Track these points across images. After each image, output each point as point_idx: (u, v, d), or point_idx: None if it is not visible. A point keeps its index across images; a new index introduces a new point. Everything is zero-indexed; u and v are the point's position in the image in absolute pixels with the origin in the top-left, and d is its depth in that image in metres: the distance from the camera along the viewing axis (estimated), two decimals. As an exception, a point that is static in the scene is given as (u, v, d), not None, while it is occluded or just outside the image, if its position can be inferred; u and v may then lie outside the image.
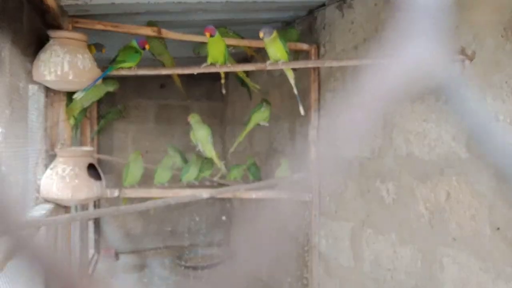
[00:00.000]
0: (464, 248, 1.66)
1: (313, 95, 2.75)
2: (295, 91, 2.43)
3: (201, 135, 2.72)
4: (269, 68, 2.32)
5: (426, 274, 1.85)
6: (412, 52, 0.39)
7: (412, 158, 1.94)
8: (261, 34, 2.19)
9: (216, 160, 2.84)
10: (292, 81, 2.41)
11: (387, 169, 2.10)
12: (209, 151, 2.74)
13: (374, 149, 2.21)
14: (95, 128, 4.09)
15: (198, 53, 2.71)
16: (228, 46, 2.64)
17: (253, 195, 2.65)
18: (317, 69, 2.75)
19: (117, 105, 4.44)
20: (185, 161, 2.96)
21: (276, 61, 2.25)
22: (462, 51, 1.70)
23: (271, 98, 3.15)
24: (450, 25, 1.74)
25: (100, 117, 4.23)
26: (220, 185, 3.08)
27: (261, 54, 2.41)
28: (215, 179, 3.08)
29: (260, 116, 2.86)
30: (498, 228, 1.54)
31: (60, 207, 2.12)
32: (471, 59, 1.67)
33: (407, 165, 1.96)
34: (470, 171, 1.64)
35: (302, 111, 2.46)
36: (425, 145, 1.86)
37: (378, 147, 2.17)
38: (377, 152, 2.18)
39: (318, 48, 2.75)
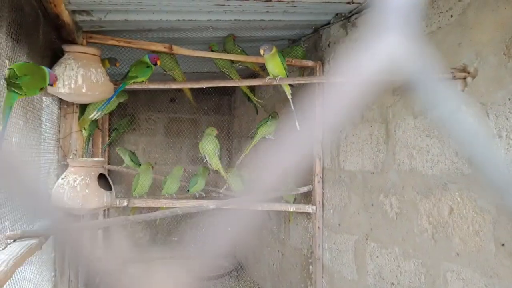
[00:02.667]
0: (468, 264, 1.66)
1: (318, 110, 2.79)
2: (292, 106, 2.49)
3: (209, 149, 2.78)
4: (274, 83, 2.37)
5: (430, 289, 1.85)
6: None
7: (415, 173, 1.95)
8: (261, 51, 2.26)
9: (222, 172, 2.89)
10: (289, 96, 2.47)
11: (391, 184, 2.12)
12: (216, 164, 2.79)
13: (377, 163, 2.23)
14: (107, 139, 4.18)
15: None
16: (235, 62, 2.71)
17: (259, 207, 2.68)
18: (321, 85, 2.80)
19: (127, 117, 4.57)
20: (134, 159, 3.23)
21: (274, 77, 2.32)
22: (464, 69, 1.73)
23: (276, 113, 3.19)
24: (452, 43, 1.78)
25: (111, 129, 4.34)
26: (226, 196, 3.12)
27: (266, 70, 2.48)
28: (221, 191, 3.13)
29: (266, 130, 2.91)
30: (503, 244, 1.54)
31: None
32: (473, 76, 1.70)
33: (410, 179, 1.98)
34: (473, 187, 1.65)
35: (298, 126, 2.52)
36: (428, 160, 1.88)
37: (381, 161, 2.19)
38: (380, 166, 2.21)
39: (323, 64, 2.81)
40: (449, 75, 1.75)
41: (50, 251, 2.27)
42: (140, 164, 3.30)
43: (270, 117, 2.91)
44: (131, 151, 3.56)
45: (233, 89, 5.10)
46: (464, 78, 1.73)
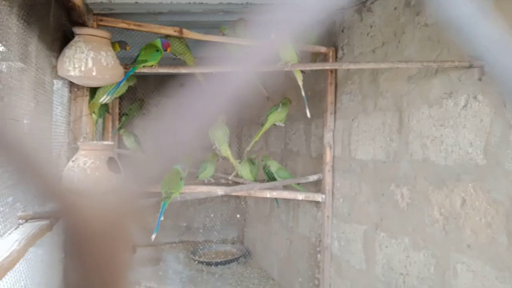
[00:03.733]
0: (479, 256, 1.64)
1: (330, 98, 2.75)
2: (303, 93, 2.45)
3: (218, 135, 2.77)
4: (285, 69, 2.33)
5: (439, 280, 1.83)
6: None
7: (428, 163, 1.92)
8: (272, 35, 2.20)
9: (231, 159, 2.88)
10: (300, 82, 2.42)
11: (402, 174, 2.08)
12: (225, 150, 2.78)
13: (389, 153, 2.20)
14: (117, 123, 4.21)
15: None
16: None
17: (267, 194, 2.67)
18: (334, 72, 2.75)
19: (137, 101, 4.59)
20: (138, 142, 3.49)
21: (286, 63, 2.27)
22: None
23: (287, 100, 3.16)
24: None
25: (122, 114, 4.38)
26: (235, 183, 3.12)
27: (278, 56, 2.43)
28: (230, 177, 3.13)
29: (277, 117, 2.88)
30: (515, 237, 1.52)
31: (80, 198, 2.19)
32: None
33: (423, 170, 1.95)
34: (487, 178, 1.62)
35: (308, 114, 2.48)
36: (442, 151, 1.84)
37: (394, 151, 2.16)
38: (392, 156, 2.17)
39: (336, 50, 2.75)
40: (466, 63, 1.70)
41: (61, 233, 2.30)
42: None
43: (281, 103, 2.88)
44: (135, 134, 3.67)
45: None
46: (482, 66, 1.67)
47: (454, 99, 1.78)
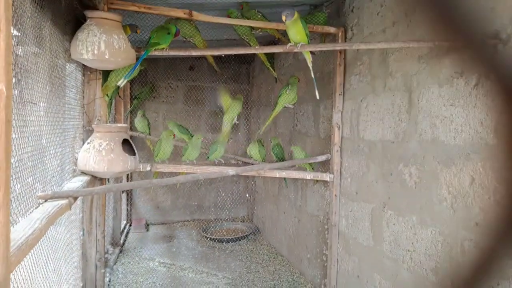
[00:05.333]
0: (488, 234, 1.67)
1: (338, 79, 2.75)
2: (312, 75, 2.45)
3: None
4: (295, 50, 2.33)
5: (446, 257, 1.86)
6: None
7: (437, 143, 1.93)
8: (283, 17, 2.19)
9: (224, 135, 2.98)
10: (310, 64, 2.42)
11: (411, 153, 2.10)
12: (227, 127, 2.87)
13: (398, 133, 2.21)
14: (128, 107, 4.26)
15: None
16: (255, 28, 2.66)
17: (277, 174, 2.72)
18: (343, 53, 2.74)
19: (148, 85, 4.64)
20: (149, 126, 3.72)
21: (296, 44, 2.26)
22: (496, 35, 1.66)
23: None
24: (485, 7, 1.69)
25: (133, 97, 4.43)
26: (244, 163, 3.17)
27: (287, 37, 2.42)
28: (240, 158, 3.18)
29: (287, 99, 2.90)
30: (523, 215, 1.53)
31: (96, 179, 2.26)
32: (505, 43, 1.62)
33: (432, 149, 1.96)
34: (497, 157, 1.63)
35: (317, 96, 2.49)
36: (452, 130, 1.85)
37: (403, 131, 2.17)
38: (401, 136, 2.19)
39: (345, 31, 2.73)
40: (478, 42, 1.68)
41: (78, 212, 2.38)
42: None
43: (289, 84, 2.88)
44: (148, 119, 3.80)
45: (252, 57, 5.04)
46: (495, 46, 1.66)
47: (466, 78, 1.77)
